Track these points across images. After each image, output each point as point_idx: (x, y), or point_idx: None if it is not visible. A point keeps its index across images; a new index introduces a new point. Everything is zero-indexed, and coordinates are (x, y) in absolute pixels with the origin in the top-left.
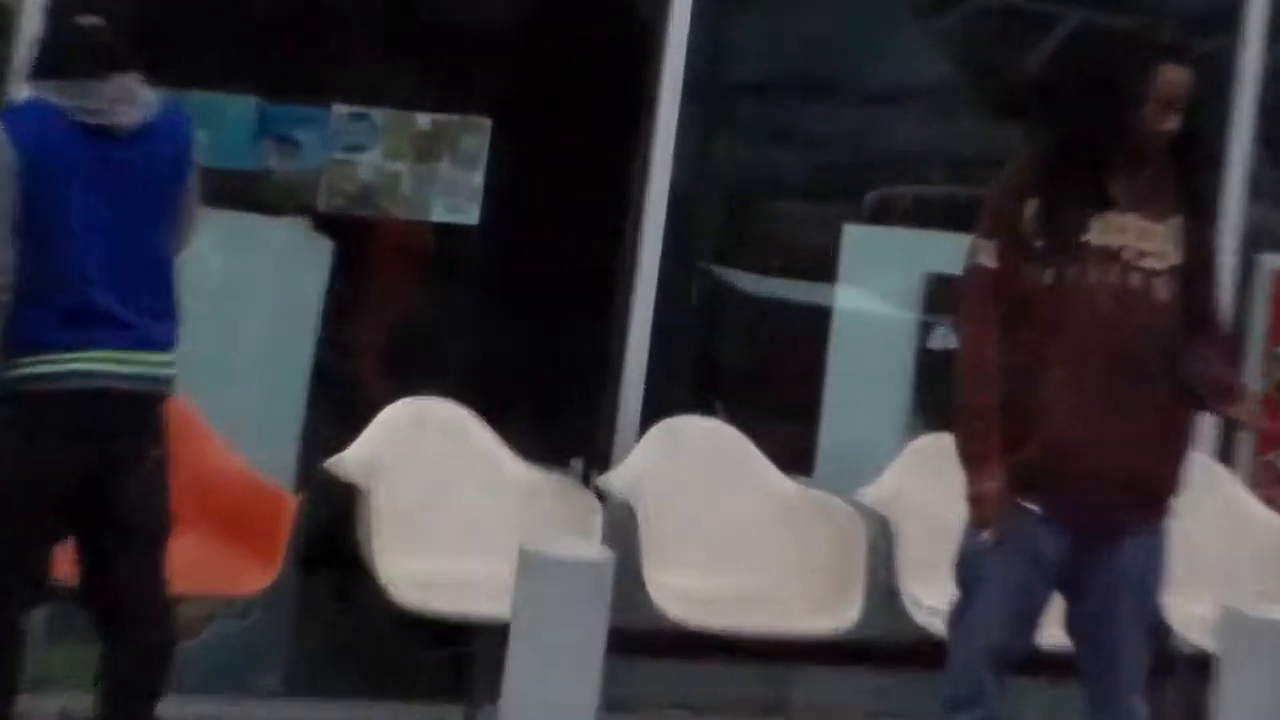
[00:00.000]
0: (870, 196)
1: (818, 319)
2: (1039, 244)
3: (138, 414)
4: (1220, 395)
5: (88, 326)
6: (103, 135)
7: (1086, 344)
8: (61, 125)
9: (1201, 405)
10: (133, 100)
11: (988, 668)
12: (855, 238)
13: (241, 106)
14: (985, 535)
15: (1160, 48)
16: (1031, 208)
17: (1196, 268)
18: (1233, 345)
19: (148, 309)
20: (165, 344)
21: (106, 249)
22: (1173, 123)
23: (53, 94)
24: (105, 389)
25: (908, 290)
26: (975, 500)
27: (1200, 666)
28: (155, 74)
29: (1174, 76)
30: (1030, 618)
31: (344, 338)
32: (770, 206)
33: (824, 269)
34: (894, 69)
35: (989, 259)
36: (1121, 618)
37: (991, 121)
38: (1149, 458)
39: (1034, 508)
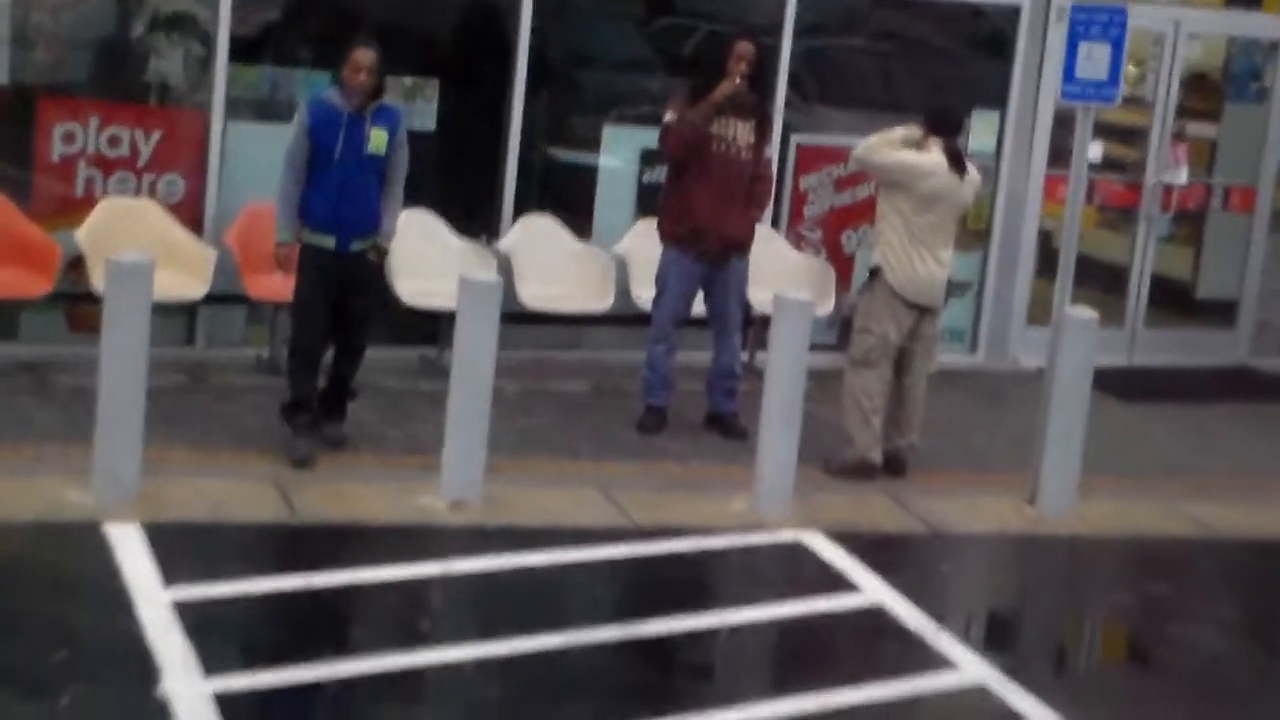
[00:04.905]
0: (612, 113)
1: (593, 168)
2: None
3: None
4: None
5: None
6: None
7: (712, 177)
8: None
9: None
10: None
11: (672, 323)
12: (610, 133)
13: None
14: None
15: (738, 35)
16: (689, 113)
17: (760, 145)
18: (766, 184)
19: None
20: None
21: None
22: (744, 70)
23: None
24: None
25: (634, 154)
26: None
27: (765, 322)
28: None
29: (743, 47)
30: (689, 300)
31: None
32: (569, 119)
33: (595, 146)
34: (623, 51)
35: (672, 119)
36: (729, 300)
37: (667, 76)
38: (738, 229)
39: (689, 252)
